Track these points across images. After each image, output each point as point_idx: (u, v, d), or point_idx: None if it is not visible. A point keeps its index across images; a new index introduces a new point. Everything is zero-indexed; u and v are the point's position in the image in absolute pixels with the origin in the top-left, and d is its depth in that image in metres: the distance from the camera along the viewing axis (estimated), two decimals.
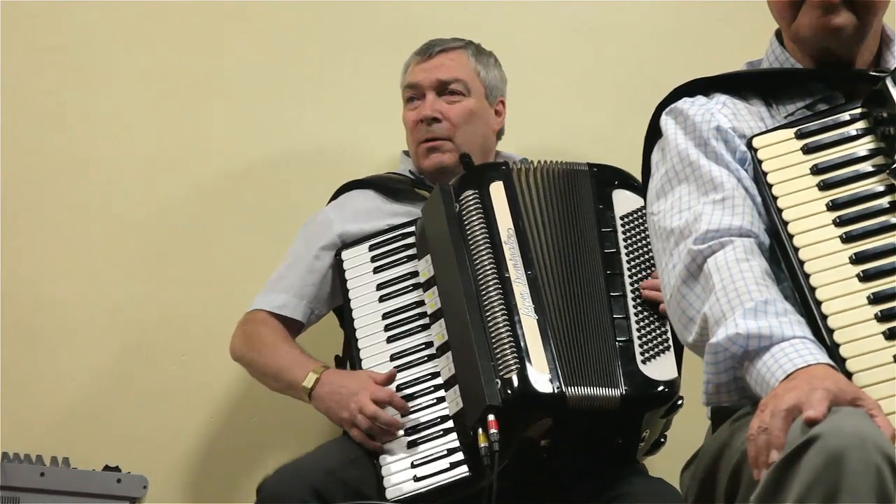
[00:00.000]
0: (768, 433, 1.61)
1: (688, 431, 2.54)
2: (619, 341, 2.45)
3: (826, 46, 2.00)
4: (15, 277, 3.03)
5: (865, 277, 1.78)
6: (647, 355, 2.44)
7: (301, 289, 2.77)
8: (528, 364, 2.37)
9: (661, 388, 2.42)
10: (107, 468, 2.80)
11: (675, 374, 2.44)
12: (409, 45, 2.91)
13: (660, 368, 2.43)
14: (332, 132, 3.15)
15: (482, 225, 2.53)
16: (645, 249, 2.56)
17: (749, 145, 1.94)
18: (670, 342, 2.47)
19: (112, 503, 2.77)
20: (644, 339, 2.46)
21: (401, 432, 2.50)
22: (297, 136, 3.15)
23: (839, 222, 1.83)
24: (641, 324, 2.48)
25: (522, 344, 2.39)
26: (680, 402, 2.49)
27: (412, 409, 2.52)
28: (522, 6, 3.19)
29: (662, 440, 2.62)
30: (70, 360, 3.03)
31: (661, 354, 2.45)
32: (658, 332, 2.48)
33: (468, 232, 2.53)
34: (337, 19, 3.17)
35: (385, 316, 2.64)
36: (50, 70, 3.12)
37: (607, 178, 2.67)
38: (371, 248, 2.72)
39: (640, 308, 2.50)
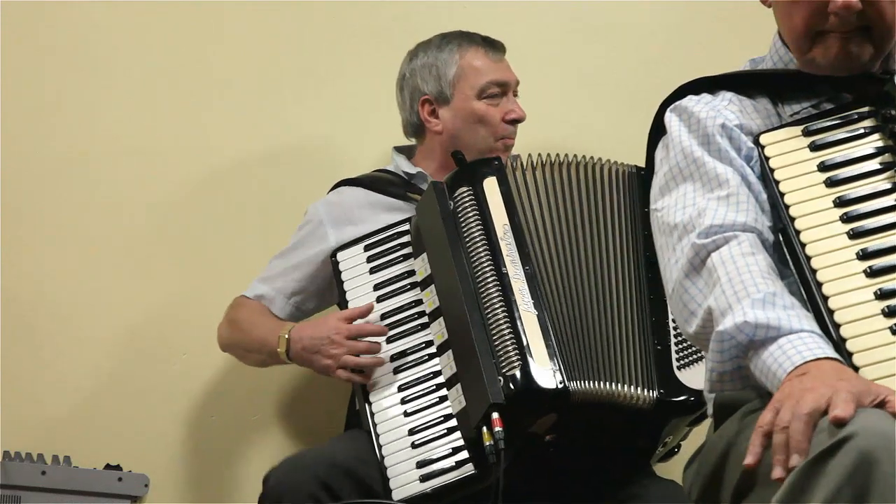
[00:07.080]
0: (789, 434, 1.59)
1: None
2: (658, 344, 2.46)
3: (841, 72, 2.00)
4: (15, 277, 3.02)
5: (872, 273, 1.79)
6: (683, 361, 2.45)
7: (285, 286, 2.78)
8: (529, 359, 2.36)
9: (692, 396, 2.41)
10: (108, 467, 2.81)
11: None
12: (409, 44, 2.91)
13: (694, 376, 2.43)
14: (330, 130, 3.15)
15: (477, 221, 2.52)
16: None
17: (756, 142, 1.95)
18: None
19: (113, 502, 2.78)
20: (682, 345, 2.46)
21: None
22: (295, 134, 3.15)
23: (846, 219, 1.84)
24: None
25: (524, 340, 2.38)
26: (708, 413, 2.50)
27: (418, 408, 2.51)
28: (522, 6, 3.19)
29: (676, 449, 2.63)
30: (70, 359, 3.02)
31: (697, 364, 2.45)
32: None
33: (464, 229, 2.52)
34: (336, 17, 3.17)
35: (384, 316, 2.62)
36: (50, 70, 3.11)
37: None
38: (366, 248, 2.70)
39: None
